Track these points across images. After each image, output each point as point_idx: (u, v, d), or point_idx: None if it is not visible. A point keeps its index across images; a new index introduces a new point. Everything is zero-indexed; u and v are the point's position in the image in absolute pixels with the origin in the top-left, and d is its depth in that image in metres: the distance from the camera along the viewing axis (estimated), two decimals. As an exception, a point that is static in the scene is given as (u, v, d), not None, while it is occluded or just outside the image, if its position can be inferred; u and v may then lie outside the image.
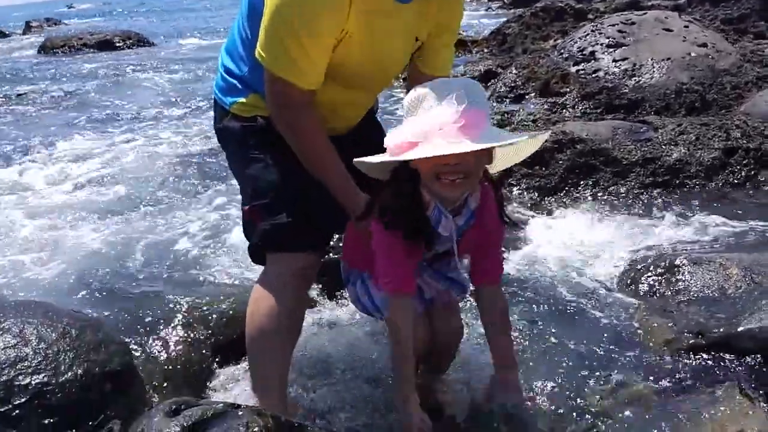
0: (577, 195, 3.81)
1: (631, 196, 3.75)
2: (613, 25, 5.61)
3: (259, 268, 2.15)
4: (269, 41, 1.83)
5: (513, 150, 1.88)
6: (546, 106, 5.11)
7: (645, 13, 5.87)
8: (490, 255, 1.95)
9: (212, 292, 2.80)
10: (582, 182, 3.88)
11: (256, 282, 2.07)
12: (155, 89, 10.03)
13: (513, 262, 3.10)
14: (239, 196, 2.20)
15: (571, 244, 3.24)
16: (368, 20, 1.84)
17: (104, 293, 2.82)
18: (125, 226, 3.95)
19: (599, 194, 3.79)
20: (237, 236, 3.47)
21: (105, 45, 16.33)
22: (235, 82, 2.10)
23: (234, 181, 2.38)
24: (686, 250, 2.99)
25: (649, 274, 2.78)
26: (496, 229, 1.92)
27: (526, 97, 5.48)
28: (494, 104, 5.39)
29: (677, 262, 2.76)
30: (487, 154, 1.72)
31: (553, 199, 3.80)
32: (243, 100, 2.08)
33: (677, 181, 3.81)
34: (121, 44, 16.59)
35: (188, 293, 2.73)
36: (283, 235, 1.98)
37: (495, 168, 1.89)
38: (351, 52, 1.89)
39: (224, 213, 4.03)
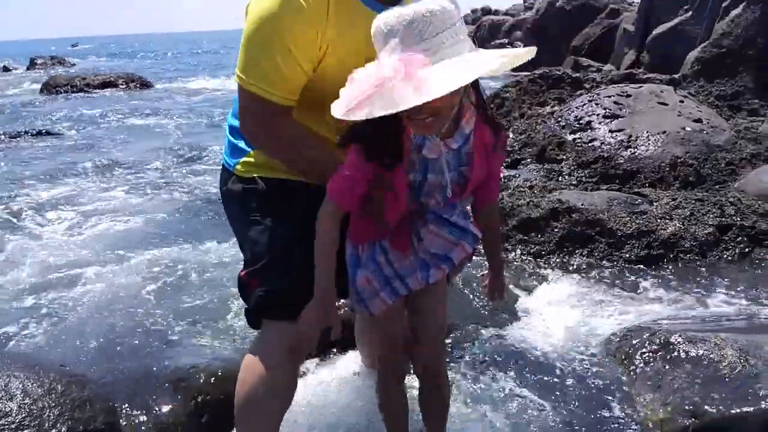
0: (572, 264, 3.82)
1: (625, 269, 3.76)
2: (610, 97, 5.72)
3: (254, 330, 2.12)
4: (245, 59, 1.84)
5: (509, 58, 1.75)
6: (542, 173, 5.16)
7: (641, 87, 5.99)
8: (490, 183, 1.91)
9: (202, 351, 2.76)
10: (577, 251, 3.89)
11: (250, 347, 2.03)
12: (154, 133, 10.12)
13: (503, 331, 3.08)
14: (233, 252, 2.18)
15: (564, 314, 3.23)
16: (345, 40, 1.84)
17: (91, 348, 2.77)
18: (115, 281, 3.88)
19: (594, 264, 3.80)
20: (231, 296, 3.43)
21: (108, 86, 16.63)
22: (237, 142, 2.10)
23: (232, 237, 2.37)
24: (681, 326, 2.97)
25: (644, 350, 2.76)
26: (497, 156, 1.87)
27: (523, 162, 5.53)
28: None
29: (672, 339, 2.74)
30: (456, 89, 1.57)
31: (548, 268, 3.80)
32: (245, 159, 2.07)
33: (672, 255, 3.82)
34: (123, 86, 16.88)
35: (176, 352, 2.69)
36: (277, 303, 1.92)
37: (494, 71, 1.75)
38: (327, 72, 1.87)
39: (218, 269, 3.88)
